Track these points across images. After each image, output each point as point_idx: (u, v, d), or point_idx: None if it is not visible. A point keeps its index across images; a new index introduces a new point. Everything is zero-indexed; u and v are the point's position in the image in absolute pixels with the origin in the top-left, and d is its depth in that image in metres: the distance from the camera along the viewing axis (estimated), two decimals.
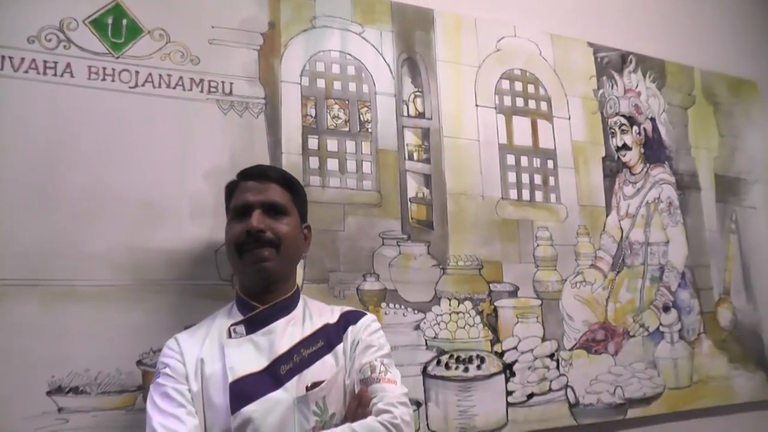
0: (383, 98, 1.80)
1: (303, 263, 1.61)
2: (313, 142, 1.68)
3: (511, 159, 1.96)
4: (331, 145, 1.71)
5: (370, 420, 1.11)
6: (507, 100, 2.00)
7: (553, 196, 2.01)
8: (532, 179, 1.98)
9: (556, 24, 2.16)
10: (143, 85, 1.50)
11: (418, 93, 1.86)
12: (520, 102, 2.02)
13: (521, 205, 1.94)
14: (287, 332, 1.23)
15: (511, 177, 1.95)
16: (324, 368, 1.20)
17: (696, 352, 2.18)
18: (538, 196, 1.98)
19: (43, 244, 1.35)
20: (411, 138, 1.82)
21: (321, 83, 1.72)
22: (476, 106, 1.94)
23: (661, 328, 2.13)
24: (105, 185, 1.43)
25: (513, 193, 1.94)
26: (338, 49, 1.77)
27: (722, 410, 2.19)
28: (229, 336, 1.21)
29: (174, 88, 1.53)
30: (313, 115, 1.70)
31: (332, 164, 1.70)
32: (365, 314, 1.32)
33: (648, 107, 2.28)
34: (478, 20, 2.00)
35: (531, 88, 2.06)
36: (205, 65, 1.57)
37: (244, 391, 1.13)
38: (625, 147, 2.19)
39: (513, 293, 1.87)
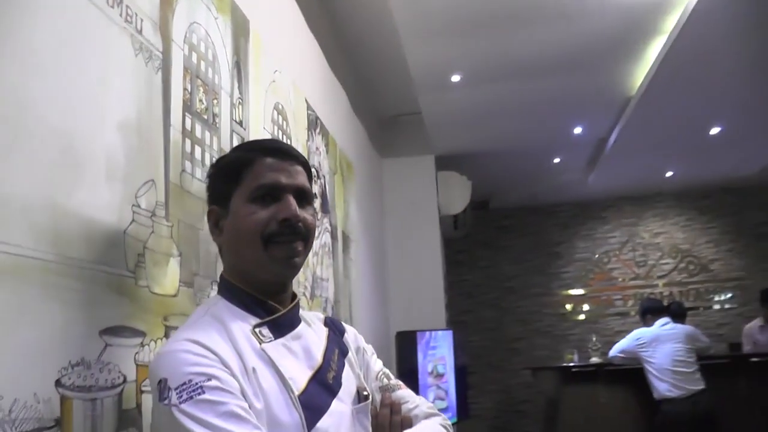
0: (225, 96, 1.67)
1: (179, 262, 1.33)
2: (188, 122, 1.43)
3: None
4: (198, 131, 1.48)
5: (433, 422, 1.11)
6: (275, 130, 2.10)
7: None
8: None
9: (301, 73, 2.39)
10: None
11: (240, 100, 1.78)
12: (279, 135, 2.14)
13: None
14: (310, 337, 1.10)
15: None
16: (350, 376, 1.13)
17: None
18: None
19: None
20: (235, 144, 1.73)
21: (194, 58, 1.49)
22: (264, 128, 1.97)
23: None
24: (22, 107, 0.91)
25: None
26: (205, 28, 1.56)
27: None
28: (259, 341, 1.01)
29: None
30: (189, 91, 1.45)
31: (197, 153, 1.47)
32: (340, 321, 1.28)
33: (320, 165, 2.70)
34: (264, 48, 2.06)
35: (284, 125, 2.20)
36: None
37: (312, 403, 0.98)
38: (315, 194, 2.54)
39: None
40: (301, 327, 1.08)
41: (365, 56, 3.69)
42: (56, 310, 0.93)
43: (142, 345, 1.15)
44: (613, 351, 4.22)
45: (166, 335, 1.24)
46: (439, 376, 4.28)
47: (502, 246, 7.45)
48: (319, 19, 2.98)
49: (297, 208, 1.03)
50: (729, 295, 6.80)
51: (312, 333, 1.10)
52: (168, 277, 1.28)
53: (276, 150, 1.08)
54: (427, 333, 4.21)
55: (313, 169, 1.42)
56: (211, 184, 1.11)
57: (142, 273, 1.18)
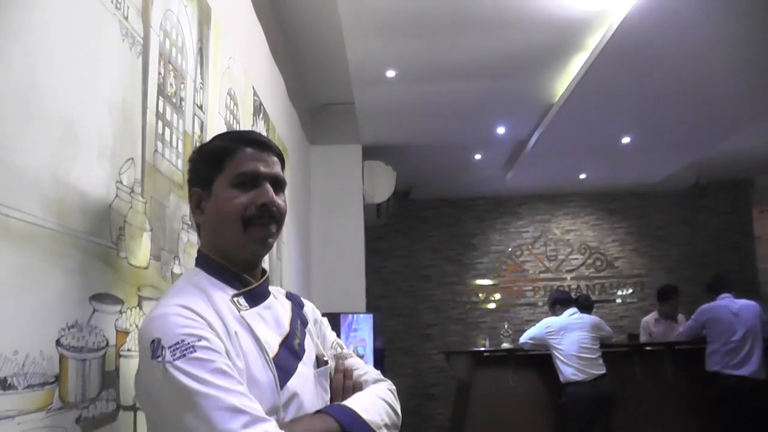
0: (189, 81, 1.74)
1: (151, 236, 1.42)
2: (161, 105, 1.51)
3: None
4: (168, 113, 1.56)
5: (380, 386, 1.24)
6: (227, 115, 2.17)
7: None
8: None
9: (250, 61, 2.46)
10: None
11: (201, 85, 1.86)
12: (231, 120, 2.22)
13: None
14: (278, 307, 1.23)
15: None
16: (311, 344, 1.26)
17: None
18: None
19: None
20: (197, 128, 1.80)
21: (167, 44, 1.56)
22: (218, 113, 2.05)
23: None
24: (32, 86, 0.99)
25: None
26: (176, 15, 1.63)
27: None
28: (238, 309, 1.13)
29: None
30: (163, 75, 1.52)
31: (167, 134, 1.55)
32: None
33: None
34: (222, 35, 2.13)
35: (234, 110, 2.28)
36: None
37: (283, 365, 1.10)
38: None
39: None
40: (271, 299, 1.20)
41: (304, 45, 3.78)
42: (58, 276, 1.02)
43: (120, 312, 1.24)
44: (524, 338, 4.54)
45: (140, 305, 1.33)
46: (360, 357, 4.45)
47: (420, 236, 7.71)
48: (265, 6, 3.05)
49: (274, 194, 1.15)
50: (630, 291, 7.40)
51: (279, 304, 1.22)
52: (141, 250, 1.37)
53: (256, 141, 1.19)
54: (350, 316, 4.38)
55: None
56: (193, 168, 1.21)
57: (122, 245, 1.26)
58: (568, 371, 4.20)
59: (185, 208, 1.67)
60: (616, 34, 3.28)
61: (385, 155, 5.62)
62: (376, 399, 1.17)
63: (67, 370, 1.03)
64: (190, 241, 1.71)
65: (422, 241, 7.69)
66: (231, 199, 1.12)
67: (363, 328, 4.56)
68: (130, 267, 1.29)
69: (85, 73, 1.14)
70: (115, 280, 1.23)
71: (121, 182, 1.27)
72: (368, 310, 5.30)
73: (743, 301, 4.41)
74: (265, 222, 1.14)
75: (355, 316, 4.45)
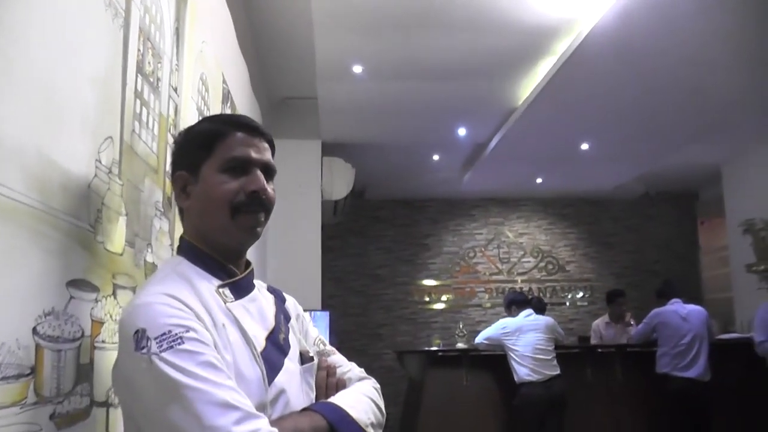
0: (166, 61, 1.66)
1: (126, 221, 1.34)
2: (139, 83, 1.42)
3: None
4: (146, 93, 1.47)
5: (365, 384, 1.19)
6: (199, 100, 2.09)
7: None
8: None
9: (218, 47, 2.38)
10: None
11: (176, 66, 1.77)
12: (202, 106, 2.13)
13: None
14: (262, 301, 1.17)
15: None
16: (294, 339, 1.21)
17: None
18: None
19: None
20: (171, 111, 1.72)
21: (147, 20, 1.48)
22: (191, 97, 1.96)
23: None
24: (13, 46, 0.90)
25: None
26: None
27: None
28: (224, 300, 1.07)
29: None
30: (142, 52, 1.44)
31: (144, 115, 1.47)
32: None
33: None
34: (198, 17, 2.04)
35: (206, 96, 2.19)
36: None
37: (270, 361, 1.05)
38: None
39: None
40: (255, 291, 1.14)
41: (269, 35, 3.69)
42: (38, 257, 0.93)
43: (96, 301, 1.16)
44: (479, 338, 4.56)
45: (114, 294, 1.25)
46: None
47: (373, 235, 7.68)
48: None
49: (265, 182, 1.10)
50: (580, 294, 7.56)
51: (262, 297, 1.17)
52: (117, 236, 1.28)
53: (248, 126, 1.13)
54: (307, 313, 4.31)
55: None
56: (179, 150, 1.14)
57: (99, 228, 1.18)
58: (522, 372, 4.24)
59: (159, 194, 1.59)
60: (584, 42, 3.33)
61: (343, 152, 5.57)
62: (362, 397, 1.13)
63: (42, 361, 0.95)
64: (162, 228, 1.63)
65: (375, 241, 7.66)
66: (220, 184, 1.06)
67: (319, 325, 4.49)
68: (106, 252, 1.21)
69: (68, 39, 1.06)
70: (92, 266, 1.14)
71: (100, 161, 1.18)
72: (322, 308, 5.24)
73: (692, 306, 4.56)
74: (254, 210, 1.08)
75: (312, 313, 4.38)
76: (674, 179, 7.06)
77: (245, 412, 0.87)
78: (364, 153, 5.84)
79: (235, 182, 1.06)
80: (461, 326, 5.47)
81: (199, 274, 1.05)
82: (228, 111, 2.67)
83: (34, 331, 0.92)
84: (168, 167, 1.66)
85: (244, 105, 3.38)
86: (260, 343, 1.04)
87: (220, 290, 1.05)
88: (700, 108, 4.45)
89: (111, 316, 1.22)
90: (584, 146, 5.27)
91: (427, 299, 7.52)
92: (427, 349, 5.30)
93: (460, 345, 5.10)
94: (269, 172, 1.13)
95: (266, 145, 1.14)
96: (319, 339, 1.28)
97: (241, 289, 1.09)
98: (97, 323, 1.16)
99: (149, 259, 1.50)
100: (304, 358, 1.15)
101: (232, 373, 0.95)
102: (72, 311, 1.05)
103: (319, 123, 4.88)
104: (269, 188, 1.11)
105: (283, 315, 1.18)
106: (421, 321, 7.50)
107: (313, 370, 1.16)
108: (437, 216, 7.75)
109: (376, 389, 1.20)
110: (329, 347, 1.27)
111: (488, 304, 7.39)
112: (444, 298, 7.49)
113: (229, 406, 0.86)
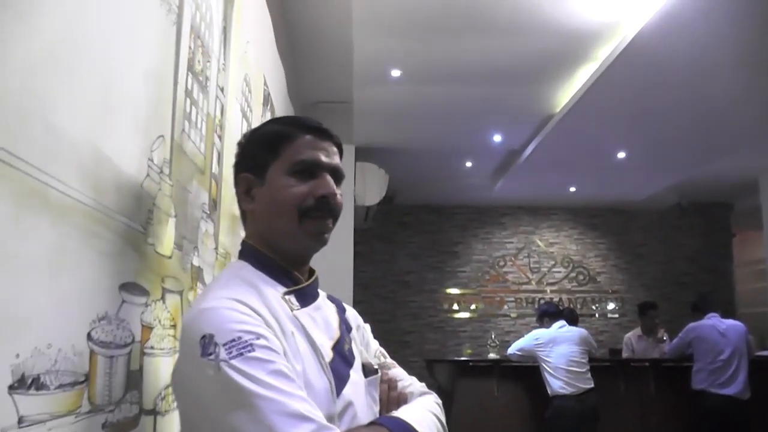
0: (214, 60, 1.62)
1: (175, 223, 1.30)
2: (189, 82, 1.39)
3: None
4: (195, 92, 1.44)
5: (428, 400, 1.14)
6: (243, 102, 2.05)
7: None
8: None
9: (259, 49, 2.35)
10: None
11: (224, 66, 1.74)
12: (246, 107, 2.10)
13: None
14: (327, 309, 1.13)
15: None
16: (356, 350, 1.16)
17: None
18: None
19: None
20: (218, 112, 1.69)
21: (198, 18, 1.44)
22: (236, 99, 1.93)
23: None
24: (73, 41, 0.87)
25: None
26: None
27: None
28: (290, 308, 1.02)
29: None
30: (192, 50, 1.40)
31: (194, 114, 1.43)
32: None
33: None
34: (242, 18, 2.01)
35: (249, 98, 2.16)
36: None
37: (338, 371, 1.01)
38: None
39: None
40: (320, 299, 1.11)
41: (306, 38, 3.66)
42: (92, 259, 0.89)
43: (146, 305, 1.12)
44: (512, 349, 4.47)
45: (163, 298, 1.21)
46: None
47: (401, 241, 7.63)
48: None
49: (335, 186, 1.05)
50: (611, 306, 7.41)
51: (327, 306, 1.13)
52: (166, 238, 1.24)
53: (316, 129, 1.09)
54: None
55: None
56: (244, 151, 1.11)
57: (150, 230, 1.14)
58: (556, 384, 4.15)
59: (205, 196, 1.56)
60: (628, 47, 3.25)
61: (375, 157, 5.52)
62: (426, 412, 1.08)
63: (95, 368, 0.91)
64: (207, 231, 1.59)
65: (403, 247, 7.60)
66: (288, 187, 1.03)
67: None
68: (156, 255, 1.17)
69: (124, 33, 1.02)
70: (142, 269, 1.10)
71: (152, 160, 1.15)
72: None
73: (730, 321, 4.42)
74: (322, 215, 1.05)
75: None
76: (708, 189, 6.90)
77: (319, 424, 0.83)
78: (395, 158, 5.79)
79: (304, 186, 1.03)
80: (493, 336, 5.38)
81: (264, 280, 1.02)
82: (268, 114, 2.64)
83: (89, 336, 0.88)
84: (214, 168, 1.64)
85: (280, 108, 3.35)
86: (327, 353, 1.00)
87: (286, 297, 1.02)
88: (741, 116, 4.33)
89: (160, 321, 1.18)
90: (621, 154, 5.16)
91: (455, 307, 7.43)
92: (457, 359, 5.21)
93: (492, 355, 5.01)
94: (338, 176, 1.09)
95: (335, 149, 1.11)
96: (380, 351, 1.24)
97: (307, 296, 1.06)
98: (147, 328, 1.12)
99: (195, 262, 1.46)
100: (368, 370, 1.11)
101: (301, 382, 0.90)
102: (123, 316, 1.01)
103: (353, 127, 4.85)
104: (338, 193, 1.07)
105: (345, 325, 1.14)
106: (449, 330, 7.42)
107: (377, 383, 1.12)
108: (466, 223, 7.67)
109: (438, 404, 1.15)
110: (390, 360, 1.23)
111: (515, 314, 7.28)
112: (472, 306, 7.39)
113: (302, 417, 0.82)
